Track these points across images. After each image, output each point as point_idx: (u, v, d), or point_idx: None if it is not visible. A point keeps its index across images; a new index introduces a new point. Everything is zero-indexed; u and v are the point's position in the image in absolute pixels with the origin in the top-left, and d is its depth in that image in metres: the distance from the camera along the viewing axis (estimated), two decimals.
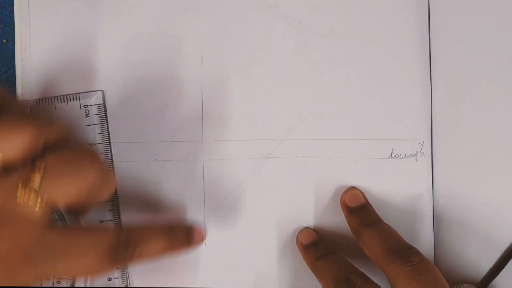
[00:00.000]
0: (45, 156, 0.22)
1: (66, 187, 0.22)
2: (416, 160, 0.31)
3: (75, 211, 0.24)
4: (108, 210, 0.31)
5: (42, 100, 0.30)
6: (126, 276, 0.31)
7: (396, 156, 0.31)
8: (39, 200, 0.22)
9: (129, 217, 0.31)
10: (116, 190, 0.31)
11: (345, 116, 0.31)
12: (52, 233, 0.22)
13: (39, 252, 0.22)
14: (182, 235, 0.27)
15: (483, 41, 0.32)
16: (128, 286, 0.31)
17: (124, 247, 0.24)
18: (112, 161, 0.31)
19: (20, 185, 0.21)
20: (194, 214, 0.31)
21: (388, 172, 0.31)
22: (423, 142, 0.31)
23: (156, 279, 0.32)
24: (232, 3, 0.31)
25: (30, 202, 0.22)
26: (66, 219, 0.28)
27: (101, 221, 0.31)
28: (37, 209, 0.22)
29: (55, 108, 0.30)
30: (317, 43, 0.31)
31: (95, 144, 0.30)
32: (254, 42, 0.31)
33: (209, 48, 0.31)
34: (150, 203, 0.31)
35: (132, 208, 0.31)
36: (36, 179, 0.21)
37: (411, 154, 0.31)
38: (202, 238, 0.28)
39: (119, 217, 0.31)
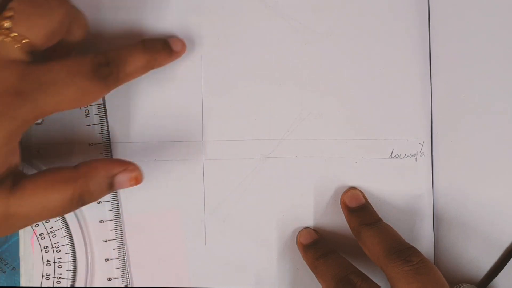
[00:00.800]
0: (10, 2, 0.23)
1: (37, 24, 0.23)
2: (416, 160, 0.31)
3: (55, 54, 0.25)
4: (108, 210, 0.31)
5: None
6: (126, 276, 0.31)
7: (396, 156, 0.31)
8: (16, 39, 0.23)
9: (130, 217, 0.31)
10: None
11: (345, 116, 0.31)
12: (36, 68, 0.23)
13: (29, 87, 0.22)
14: (160, 45, 0.28)
15: (483, 41, 0.32)
16: (128, 286, 0.31)
17: (107, 66, 0.25)
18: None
19: None
20: (194, 214, 0.31)
21: (388, 172, 0.31)
22: (423, 142, 0.31)
23: (156, 279, 0.32)
24: (232, 3, 0.31)
25: (8, 43, 0.23)
26: None
27: (101, 221, 0.31)
28: (16, 47, 0.23)
29: None
30: (317, 43, 0.31)
31: (95, 144, 0.30)
32: (254, 42, 0.31)
33: (209, 48, 0.31)
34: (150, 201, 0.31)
35: (133, 208, 0.31)
36: (7, 22, 0.22)
37: (411, 154, 0.31)
38: (182, 44, 0.29)
39: (120, 216, 0.31)
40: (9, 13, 0.23)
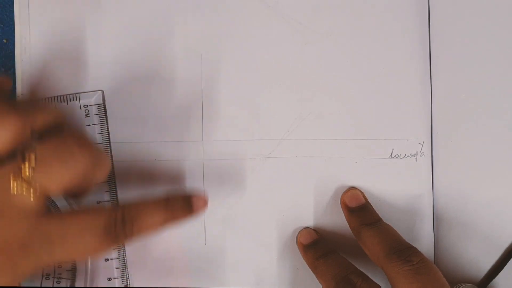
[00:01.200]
0: (34, 145, 0.22)
1: (57, 176, 0.22)
2: (416, 160, 0.31)
3: (73, 196, 0.25)
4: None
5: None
6: (126, 276, 0.31)
7: (396, 156, 0.31)
8: (32, 190, 0.22)
9: None
10: (116, 191, 0.31)
11: (345, 116, 0.31)
12: (48, 221, 0.22)
13: (36, 241, 0.22)
14: (181, 204, 0.26)
15: (483, 41, 0.32)
16: (128, 286, 0.31)
17: (122, 224, 0.24)
18: (112, 161, 0.30)
19: (12, 177, 0.22)
20: None
21: (388, 172, 0.31)
22: (423, 142, 0.31)
23: (156, 279, 0.32)
24: (232, 3, 0.31)
25: (24, 193, 0.22)
26: (67, 202, 0.28)
27: None
28: (31, 199, 0.22)
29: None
30: (317, 43, 0.31)
31: (95, 144, 0.30)
32: (254, 42, 0.31)
33: (209, 48, 0.31)
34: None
35: None
36: (27, 170, 0.22)
37: (411, 154, 0.31)
38: (203, 204, 0.27)
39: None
40: (30, 161, 0.22)
